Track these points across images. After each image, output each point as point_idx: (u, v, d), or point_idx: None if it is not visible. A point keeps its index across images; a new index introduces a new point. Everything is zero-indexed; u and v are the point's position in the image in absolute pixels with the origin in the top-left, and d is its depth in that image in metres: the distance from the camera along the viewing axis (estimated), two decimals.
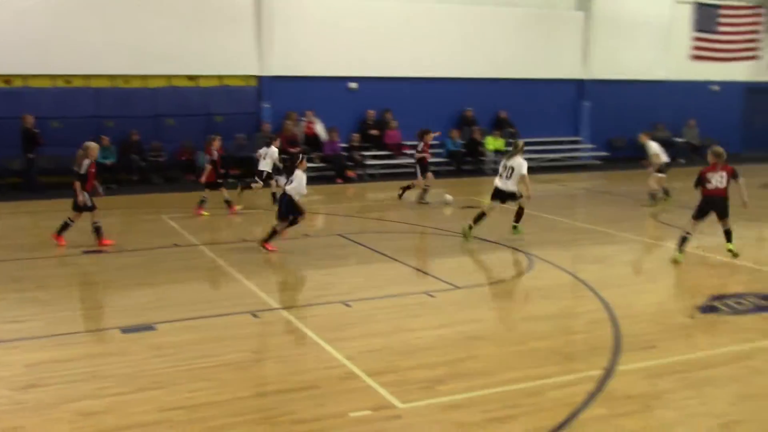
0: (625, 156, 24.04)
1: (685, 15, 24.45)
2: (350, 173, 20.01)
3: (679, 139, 24.53)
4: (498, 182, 12.21)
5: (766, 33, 25.85)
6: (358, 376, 6.42)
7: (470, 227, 12.14)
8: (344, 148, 20.41)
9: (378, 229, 13.38)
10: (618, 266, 10.76)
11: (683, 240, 10.73)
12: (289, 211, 11.13)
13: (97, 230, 11.49)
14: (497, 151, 21.62)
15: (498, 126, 22.21)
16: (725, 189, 10.59)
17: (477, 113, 22.06)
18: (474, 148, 21.57)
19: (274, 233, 11.29)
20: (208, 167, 14.36)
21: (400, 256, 10.96)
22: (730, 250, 10.86)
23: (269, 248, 11.22)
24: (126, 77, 18.91)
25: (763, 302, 8.77)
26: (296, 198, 11.02)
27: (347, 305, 8.55)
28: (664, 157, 16.17)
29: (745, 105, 26.34)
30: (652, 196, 15.97)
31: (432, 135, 16.62)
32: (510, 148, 12.66)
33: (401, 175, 19.60)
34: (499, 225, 14.10)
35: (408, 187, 16.49)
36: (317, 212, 15.15)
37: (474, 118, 22.05)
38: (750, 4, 25.47)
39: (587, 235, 12.88)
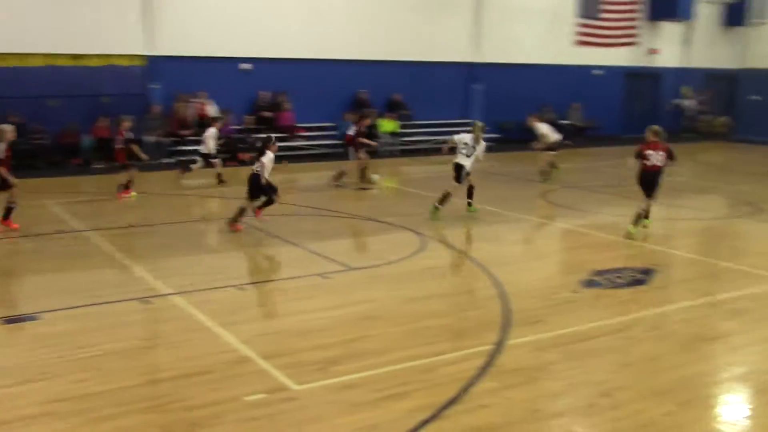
0: (515, 138, 24.74)
1: (570, 1, 25.32)
2: (243, 156, 19.69)
3: (565, 122, 25.43)
4: (462, 160, 12.57)
5: (645, 20, 27.13)
6: (252, 359, 6.39)
7: (436, 207, 12.46)
8: (237, 131, 20.06)
9: (273, 213, 13.26)
10: (508, 244, 11.10)
11: (641, 215, 11.44)
12: (258, 191, 11.23)
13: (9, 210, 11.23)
14: (392, 134, 21.81)
15: (392, 108, 22.37)
16: (661, 167, 11.18)
17: (371, 96, 22.13)
18: (369, 131, 21.64)
19: (241, 212, 11.32)
20: (120, 147, 14.08)
21: (296, 238, 10.92)
22: (643, 225, 11.53)
23: (237, 228, 11.26)
24: (2, 56, 17.88)
25: (640, 275, 9.26)
26: (263, 179, 11.08)
27: (241, 289, 8.46)
28: (554, 136, 16.81)
29: (625, 89, 27.54)
30: (544, 173, 16.59)
31: (369, 120, 16.87)
32: (471, 128, 13.16)
33: (296, 157, 19.48)
34: (393, 206, 14.28)
35: (364, 172, 16.36)
36: (211, 196, 14.87)
37: (368, 100, 22.10)
38: None
39: (479, 214, 13.19)
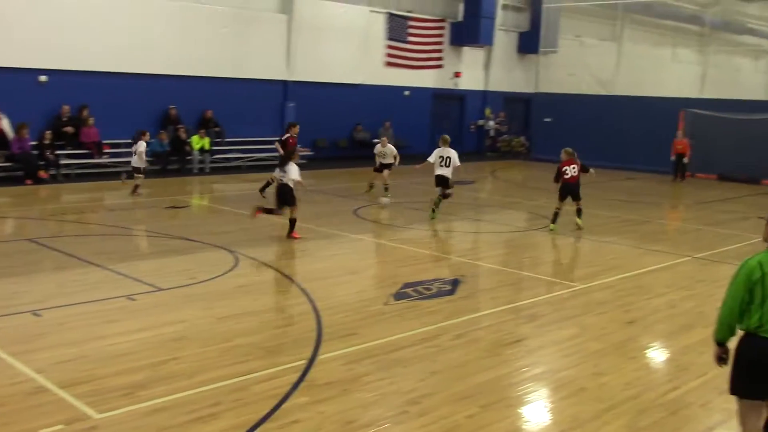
0: (328, 156, 25.09)
1: (379, 24, 26.17)
2: (42, 173, 18.40)
3: (376, 140, 26.13)
4: (440, 171, 14.61)
5: (449, 45, 28.58)
6: (48, 389, 5.95)
7: (433, 210, 14.53)
8: (35, 147, 18.71)
9: (76, 233, 12.49)
10: (322, 260, 11.18)
11: (555, 215, 13.81)
12: (288, 200, 12.22)
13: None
14: (203, 150, 21.33)
15: (204, 125, 21.90)
16: (577, 177, 13.74)
17: (181, 112, 21.54)
18: (180, 148, 21.05)
19: (293, 221, 12.35)
20: None
21: (99, 259, 10.35)
22: (577, 224, 13.97)
23: (295, 236, 12.29)
24: None
25: (446, 286, 9.68)
26: (293, 187, 12.22)
27: (37, 315, 7.87)
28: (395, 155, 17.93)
29: (433, 110, 28.81)
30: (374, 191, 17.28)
31: (297, 128, 17.46)
32: (439, 140, 15.38)
33: (101, 175, 18.52)
34: (204, 224, 13.97)
35: (268, 183, 16.29)
36: (5, 216, 13.76)
37: (178, 116, 21.50)
38: (434, 17, 27.95)
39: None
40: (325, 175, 21.66)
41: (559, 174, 13.72)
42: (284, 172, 12.32)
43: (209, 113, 22.19)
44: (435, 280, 10.03)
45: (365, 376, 6.55)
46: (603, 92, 29.40)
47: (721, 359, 4.91)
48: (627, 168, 25.25)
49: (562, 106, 28.53)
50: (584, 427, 5.71)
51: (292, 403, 5.91)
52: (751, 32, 39.56)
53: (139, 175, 16.52)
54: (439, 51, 28.32)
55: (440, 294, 9.33)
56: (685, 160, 23.41)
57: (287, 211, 12.40)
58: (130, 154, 16.96)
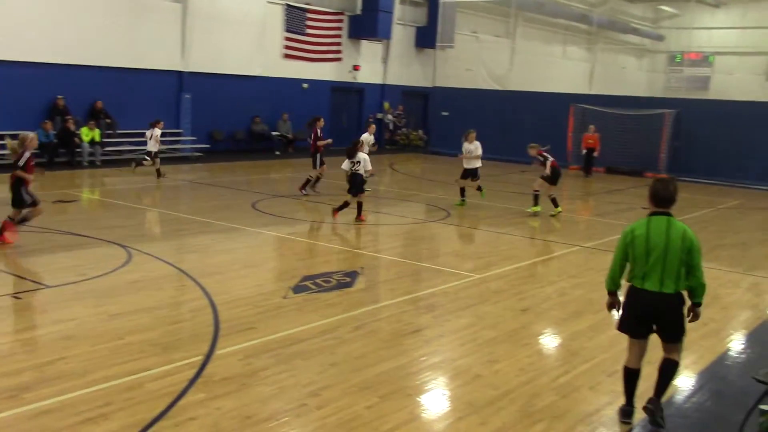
0: (226, 148, 24.67)
1: (277, 15, 25.88)
2: None
3: (275, 133, 25.91)
4: (465, 164, 16.29)
5: (347, 38, 28.58)
6: None
7: (463, 201, 16.32)
8: None
9: None
10: (218, 254, 10.97)
11: (536, 197, 15.72)
12: (360, 188, 13.50)
13: (22, 219, 10.73)
14: (93, 142, 20.54)
15: (94, 116, 21.06)
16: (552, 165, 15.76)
17: (70, 102, 20.63)
18: (68, 140, 20.16)
19: (345, 204, 13.56)
20: None
21: None
22: (553, 214, 15.57)
23: (362, 219, 13.59)
24: None
25: (346, 279, 9.70)
26: (365, 176, 13.52)
27: None
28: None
29: (332, 103, 28.76)
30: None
31: (322, 122, 17.55)
32: (463, 134, 16.67)
33: None
34: (95, 219, 13.50)
35: (308, 181, 16.89)
36: None
37: (66, 107, 20.59)
38: (333, 10, 27.88)
39: (189, 225, 12.90)
40: (222, 168, 21.29)
41: (545, 159, 15.74)
42: (356, 162, 13.50)
43: (99, 104, 21.37)
44: (334, 272, 10.03)
45: (264, 370, 6.48)
46: (498, 87, 30.15)
47: (611, 306, 6.04)
48: (521, 161, 25.99)
49: (459, 101, 29.07)
50: (480, 413, 5.85)
51: (188, 400, 5.78)
52: (635, 32, 41.53)
53: (148, 160, 18.58)
54: (338, 44, 28.30)
55: (340, 286, 9.33)
56: (595, 154, 24.18)
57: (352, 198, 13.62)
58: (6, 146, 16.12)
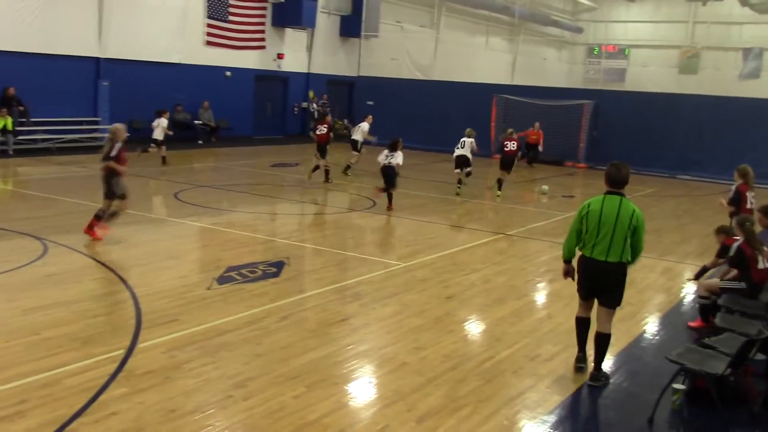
0: (147, 137, 24.01)
1: (199, 1, 25.33)
2: None
3: (198, 122, 25.42)
4: (459, 152, 17.29)
5: (271, 26, 28.24)
6: None
7: (459, 188, 17.12)
8: None
9: None
10: (140, 246, 10.71)
11: (499, 183, 16.98)
12: (393, 180, 14.50)
13: (112, 215, 10.87)
14: (5, 131, 19.71)
15: (5, 104, 20.19)
16: (515, 152, 17.62)
17: None
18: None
19: (390, 196, 14.57)
20: None
21: None
22: (498, 195, 16.89)
23: (392, 208, 14.46)
24: None
25: (271, 269, 9.62)
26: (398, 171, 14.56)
27: None
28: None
29: (255, 91, 28.38)
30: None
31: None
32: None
33: None
34: (4, 211, 13.03)
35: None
36: None
37: None
38: None
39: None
40: (143, 157, 20.72)
41: (502, 145, 17.39)
42: (391, 155, 14.47)
43: (11, 91, 20.45)
44: (260, 262, 9.93)
45: (188, 362, 6.37)
46: (422, 77, 30.34)
47: (567, 273, 6.78)
48: (446, 150, 26.24)
49: (384, 90, 29.11)
50: (406, 400, 5.90)
51: (109, 394, 5.64)
52: (555, 24, 42.40)
53: (153, 147, 19.47)
54: (261, 32, 27.91)
55: (265, 276, 9.25)
56: (540, 148, 24.51)
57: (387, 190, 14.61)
58: None
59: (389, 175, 14.53)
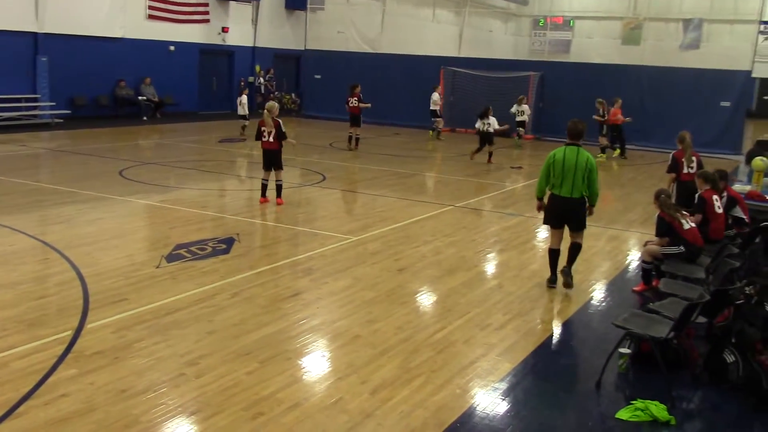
0: (89, 114, 23.48)
1: None
2: None
3: (142, 97, 24.89)
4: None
5: None
6: None
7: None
8: None
9: None
10: (85, 225, 10.50)
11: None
12: (491, 141, 18.42)
13: (279, 188, 12.34)
14: None
15: None
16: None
17: None
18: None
19: (490, 155, 18.52)
20: None
21: None
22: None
23: (491, 161, 18.50)
24: None
25: (221, 245, 9.54)
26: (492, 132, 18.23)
27: None
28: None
29: (200, 66, 27.88)
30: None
31: (360, 88, 20.43)
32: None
33: None
34: None
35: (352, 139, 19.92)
36: None
37: None
38: None
39: (52, 196, 12.26)
40: (85, 135, 20.27)
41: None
42: (487, 123, 18.14)
43: None
44: (209, 239, 9.84)
45: (138, 342, 6.31)
46: (369, 50, 30.16)
47: (540, 208, 8.59)
48: (395, 124, 26.27)
49: (331, 64, 28.88)
50: (359, 373, 5.95)
51: (58, 376, 5.55)
52: None
53: (244, 121, 21.88)
54: (205, 5, 27.36)
55: (215, 253, 9.17)
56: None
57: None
58: None
59: (489, 138, 18.16)
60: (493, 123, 18.18)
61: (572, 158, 8.00)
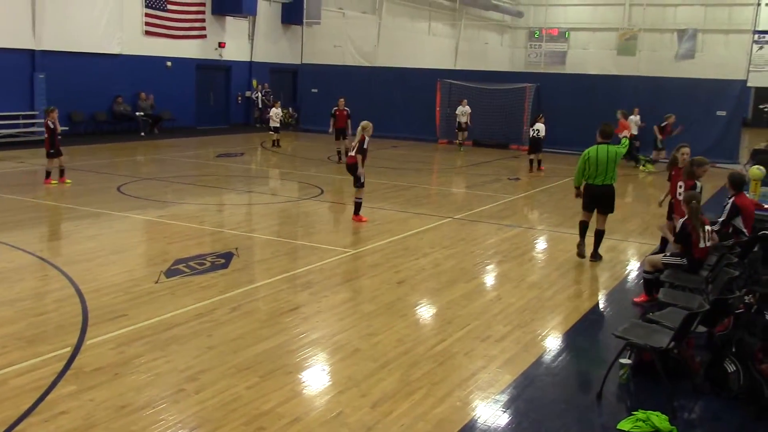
0: (87, 130, 23.51)
1: None
2: None
3: (140, 113, 24.92)
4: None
5: (211, 14, 27.80)
6: None
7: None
8: None
9: None
10: (84, 241, 10.49)
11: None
12: (541, 148, 19.46)
13: (358, 206, 12.45)
14: None
15: None
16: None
17: None
18: None
19: (540, 162, 19.71)
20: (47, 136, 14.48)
21: None
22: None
23: (542, 168, 19.63)
24: None
25: (220, 260, 9.53)
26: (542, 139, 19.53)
27: None
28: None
29: (197, 81, 27.94)
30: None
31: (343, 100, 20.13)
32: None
33: None
34: None
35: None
36: None
37: None
38: None
39: (50, 212, 12.26)
40: (83, 151, 20.26)
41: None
42: (536, 130, 19.10)
43: None
44: (208, 254, 9.83)
45: (138, 357, 6.29)
46: (366, 63, 30.26)
47: (578, 195, 10.48)
48: (393, 137, 26.30)
49: (328, 77, 28.95)
50: (360, 386, 5.93)
51: (57, 393, 5.53)
52: (496, 8, 42.70)
53: (273, 133, 23.10)
54: (201, 21, 27.47)
55: (214, 268, 9.16)
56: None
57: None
58: None
59: (537, 144, 19.13)
60: (541, 130, 18.92)
61: (604, 154, 9.91)
